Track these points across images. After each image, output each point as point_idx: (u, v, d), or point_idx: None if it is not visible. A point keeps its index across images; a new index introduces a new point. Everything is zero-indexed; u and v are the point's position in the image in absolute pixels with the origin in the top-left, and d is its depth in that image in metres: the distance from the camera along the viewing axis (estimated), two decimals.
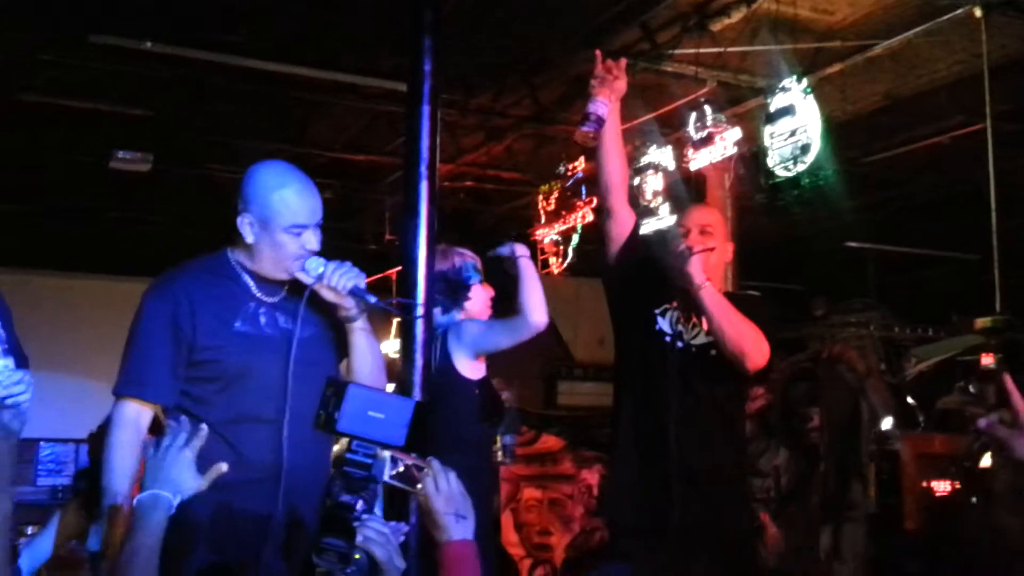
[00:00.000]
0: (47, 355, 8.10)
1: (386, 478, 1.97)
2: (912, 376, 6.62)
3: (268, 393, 2.43)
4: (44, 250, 8.96)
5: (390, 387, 2.96)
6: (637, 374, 3.09)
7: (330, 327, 2.51)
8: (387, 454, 1.98)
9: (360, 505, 1.83)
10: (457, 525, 1.97)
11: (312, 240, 2.41)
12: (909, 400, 6.22)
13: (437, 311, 3.03)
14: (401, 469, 1.97)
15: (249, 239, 2.42)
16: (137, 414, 2.52)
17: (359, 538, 1.78)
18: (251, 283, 2.49)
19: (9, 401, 2.54)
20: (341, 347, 2.52)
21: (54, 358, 8.34)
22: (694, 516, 2.95)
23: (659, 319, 3.10)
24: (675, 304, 3.11)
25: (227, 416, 2.46)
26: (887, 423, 5.94)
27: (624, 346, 3.19)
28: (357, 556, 1.78)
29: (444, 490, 1.98)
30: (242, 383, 2.45)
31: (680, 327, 3.10)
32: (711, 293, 2.96)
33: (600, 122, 2.93)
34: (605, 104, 2.94)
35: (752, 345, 2.97)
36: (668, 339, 3.09)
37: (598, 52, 3.03)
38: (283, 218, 2.38)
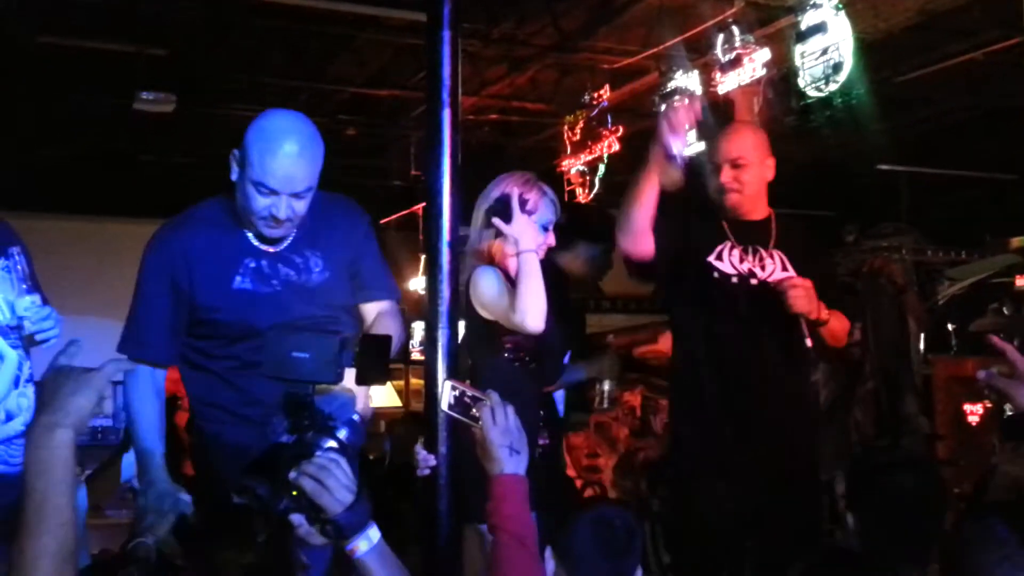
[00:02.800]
0: (81, 299, 8.23)
1: (444, 407, 2.00)
2: (945, 299, 6.56)
3: None
4: (73, 195, 9.01)
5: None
6: (700, 326, 3.03)
7: (344, 271, 2.48)
8: (448, 384, 2.01)
9: (327, 446, 1.79)
10: (510, 459, 1.98)
11: (281, 208, 2.35)
12: (949, 326, 6.16)
13: (473, 231, 2.92)
14: (459, 397, 1.98)
15: (232, 175, 2.41)
16: (149, 370, 2.54)
17: (292, 474, 1.75)
18: (250, 233, 2.47)
19: (39, 337, 2.57)
20: (358, 291, 2.51)
21: (88, 301, 8.43)
22: (761, 455, 2.95)
23: (716, 264, 3.04)
24: (729, 244, 3.04)
25: (232, 365, 2.48)
26: (920, 345, 5.90)
27: (681, 299, 3.12)
28: (282, 498, 1.74)
29: (501, 423, 1.98)
30: (244, 341, 2.44)
31: (747, 264, 3.03)
32: (830, 328, 2.98)
33: (685, 161, 2.87)
34: (683, 141, 2.86)
35: (846, 339, 3.13)
36: (736, 279, 3.02)
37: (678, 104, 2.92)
38: (254, 171, 2.34)
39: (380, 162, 8.80)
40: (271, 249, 2.48)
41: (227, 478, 2.39)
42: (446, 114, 2.45)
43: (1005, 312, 5.91)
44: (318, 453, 1.78)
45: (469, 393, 2.00)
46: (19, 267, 2.59)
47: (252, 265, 2.46)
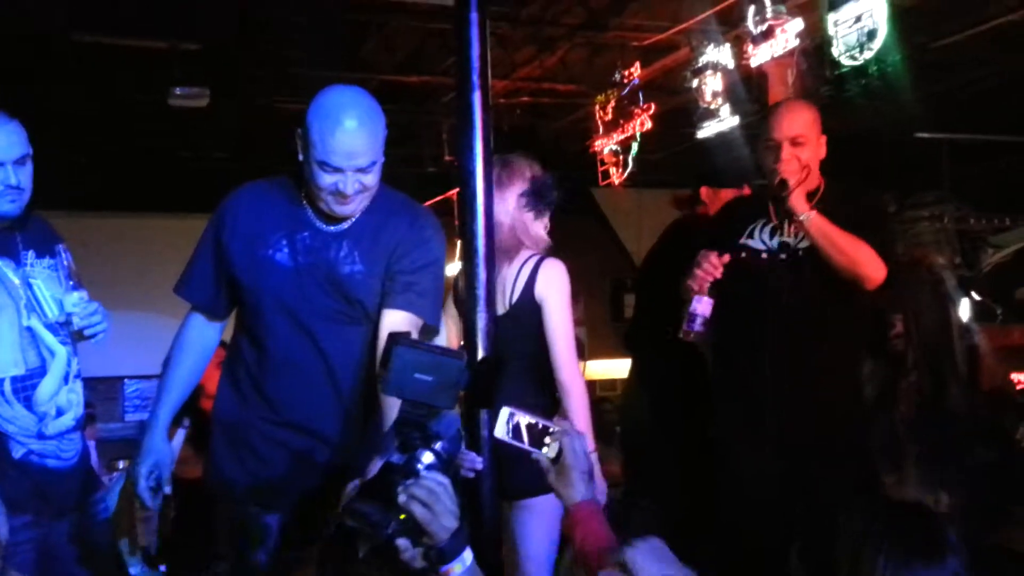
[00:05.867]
0: (124, 295, 8.37)
1: (500, 435, 1.96)
2: (989, 267, 6.46)
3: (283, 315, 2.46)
4: (112, 193, 9.13)
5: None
6: (731, 304, 2.96)
7: (380, 275, 2.45)
8: (506, 411, 1.97)
9: (426, 460, 1.78)
10: (589, 485, 1.97)
11: (348, 184, 2.33)
12: (977, 296, 6.07)
13: (528, 218, 2.94)
14: (519, 425, 1.94)
15: (300, 155, 2.40)
16: (202, 322, 2.60)
17: (402, 498, 1.73)
18: (309, 208, 2.47)
19: (88, 331, 2.62)
20: (388, 296, 2.44)
21: (131, 297, 8.58)
22: (795, 438, 2.92)
23: (747, 243, 3.03)
24: (762, 221, 3.03)
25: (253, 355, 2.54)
26: (964, 316, 5.82)
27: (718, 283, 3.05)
28: (391, 522, 1.73)
29: (580, 450, 1.97)
30: (256, 309, 2.48)
31: (779, 238, 3.01)
32: (816, 225, 2.88)
33: (707, 324, 2.84)
34: (710, 302, 2.84)
35: (866, 268, 2.89)
36: (766, 255, 3.01)
37: (707, 252, 2.91)
38: (316, 151, 2.33)
39: (412, 149, 8.82)
40: (327, 227, 2.46)
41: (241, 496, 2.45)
42: (476, 97, 2.44)
43: None
44: (421, 470, 1.77)
45: (534, 421, 1.97)
46: (65, 264, 2.64)
47: (296, 237, 2.45)
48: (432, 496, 1.74)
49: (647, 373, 4.18)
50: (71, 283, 2.61)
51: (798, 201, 2.90)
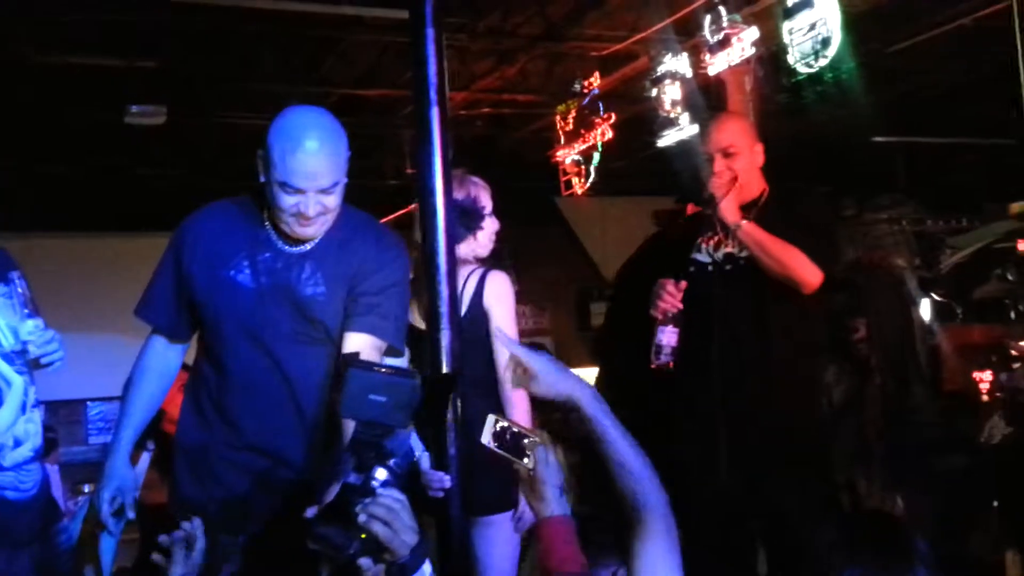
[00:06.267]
0: (82, 316, 8.25)
1: (485, 440, 1.94)
2: (948, 268, 6.54)
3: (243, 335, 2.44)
4: (67, 212, 9.01)
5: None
6: (684, 325, 2.94)
7: (342, 296, 2.42)
8: (492, 417, 1.95)
9: (380, 477, 1.77)
10: (560, 500, 1.95)
11: (309, 205, 2.30)
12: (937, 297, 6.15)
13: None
14: (506, 436, 1.93)
15: (260, 177, 2.38)
16: (163, 345, 2.57)
17: (362, 518, 1.73)
18: (271, 230, 2.44)
19: (44, 360, 2.57)
20: (349, 318, 2.40)
21: (88, 319, 8.44)
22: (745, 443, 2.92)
23: (694, 257, 3.04)
24: (709, 234, 3.04)
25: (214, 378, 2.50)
26: (926, 317, 5.88)
27: None
28: (352, 542, 1.72)
29: (553, 462, 1.95)
30: (218, 331, 2.45)
31: (725, 249, 3.02)
32: (748, 233, 2.90)
33: (675, 353, 2.83)
34: (675, 332, 2.83)
35: (801, 273, 2.89)
36: (711, 268, 3.01)
37: (664, 281, 2.90)
38: (277, 171, 2.30)
39: (374, 162, 8.80)
40: (292, 249, 2.43)
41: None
42: (435, 112, 2.44)
43: (1009, 278, 5.90)
44: (378, 488, 1.76)
45: (515, 429, 1.95)
46: (20, 291, 2.59)
47: (258, 258, 2.43)
48: (391, 514, 1.74)
49: (613, 382, 4.17)
50: (26, 311, 2.56)
51: (728, 212, 2.91)
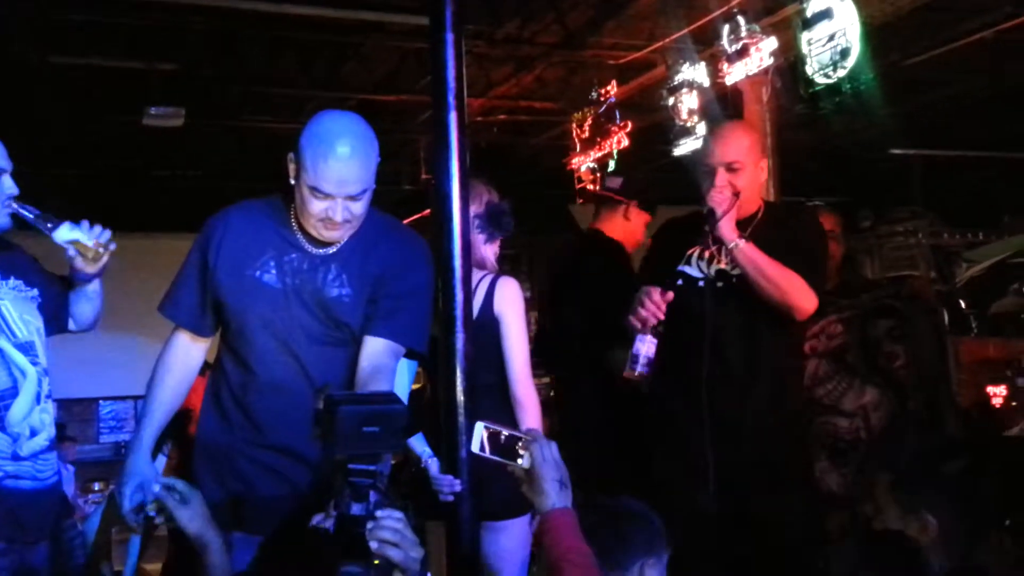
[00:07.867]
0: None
1: (475, 449, 1.99)
2: (963, 281, 6.51)
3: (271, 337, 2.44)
4: (88, 214, 9.03)
5: None
6: (668, 335, 2.85)
7: (368, 296, 2.42)
8: (480, 425, 2.00)
9: (372, 500, 1.78)
10: (561, 493, 1.98)
11: (337, 211, 2.32)
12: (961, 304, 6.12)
13: (480, 239, 2.99)
14: (499, 441, 1.98)
15: (291, 179, 2.39)
16: (187, 342, 2.56)
17: (374, 545, 1.74)
18: (298, 232, 2.45)
19: (103, 239, 2.57)
20: (370, 321, 2.41)
21: (105, 318, 8.46)
22: (733, 471, 2.86)
23: (684, 270, 2.96)
24: (700, 248, 2.96)
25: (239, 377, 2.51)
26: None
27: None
28: (370, 572, 1.73)
29: (550, 458, 1.99)
30: (241, 330, 2.46)
31: (716, 265, 2.95)
32: (745, 254, 2.82)
33: (651, 364, 2.73)
34: (654, 342, 2.73)
35: (796, 298, 2.83)
36: (702, 283, 2.94)
37: (650, 288, 2.81)
38: (308, 176, 2.31)
39: (389, 167, 8.82)
40: (316, 250, 2.45)
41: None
42: (452, 117, 2.44)
43: None
44: (377, 512, 1.77)
45: (507, 433, 2.00)
46: (31, 217, 2.56)
47: (284, 259, 2.44)
48: (397, 535, 1.76)
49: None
50: (49, 225, 2.56)
51: (727, 230, 2.83)
